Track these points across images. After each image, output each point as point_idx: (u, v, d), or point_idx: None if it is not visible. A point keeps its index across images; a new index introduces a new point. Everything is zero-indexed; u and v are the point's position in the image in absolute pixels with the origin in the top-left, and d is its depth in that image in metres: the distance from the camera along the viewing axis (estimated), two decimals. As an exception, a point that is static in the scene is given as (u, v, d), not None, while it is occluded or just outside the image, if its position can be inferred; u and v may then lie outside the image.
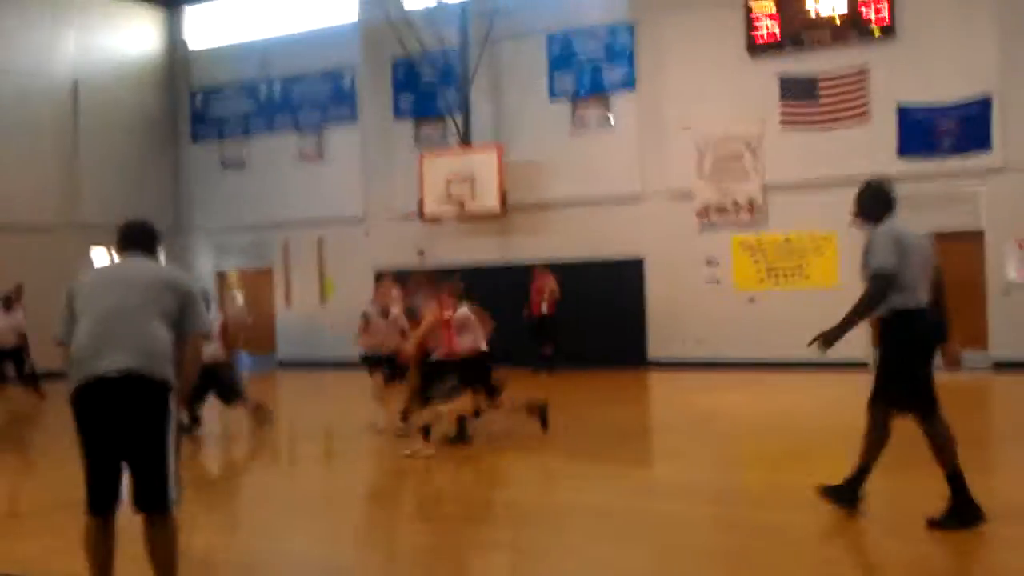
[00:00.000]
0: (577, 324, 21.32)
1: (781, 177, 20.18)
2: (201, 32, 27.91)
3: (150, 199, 25.71)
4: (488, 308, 12.91)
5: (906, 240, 7.12)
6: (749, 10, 20.63)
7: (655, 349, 21.54)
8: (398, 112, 24.67)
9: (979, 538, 6.91)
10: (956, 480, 7.05)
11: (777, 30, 20.44)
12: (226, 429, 14.09)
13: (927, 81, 19.04)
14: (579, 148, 22.35)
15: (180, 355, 5.61)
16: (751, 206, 20.58)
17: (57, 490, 10.00)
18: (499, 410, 12.41)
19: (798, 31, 20.26)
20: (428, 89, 24.14)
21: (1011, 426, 13.17)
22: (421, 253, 23.57)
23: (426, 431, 11.32)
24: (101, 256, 24.04)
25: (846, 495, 7.41)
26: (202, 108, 27.76)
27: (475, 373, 12.00)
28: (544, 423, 12.40)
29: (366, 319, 13.94)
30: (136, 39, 27.41)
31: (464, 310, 12.13)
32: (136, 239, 5.91)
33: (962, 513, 7.01)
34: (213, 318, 12.74)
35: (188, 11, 28.00)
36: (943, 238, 18.52)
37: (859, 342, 13.60)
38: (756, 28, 20.60)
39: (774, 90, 20.33)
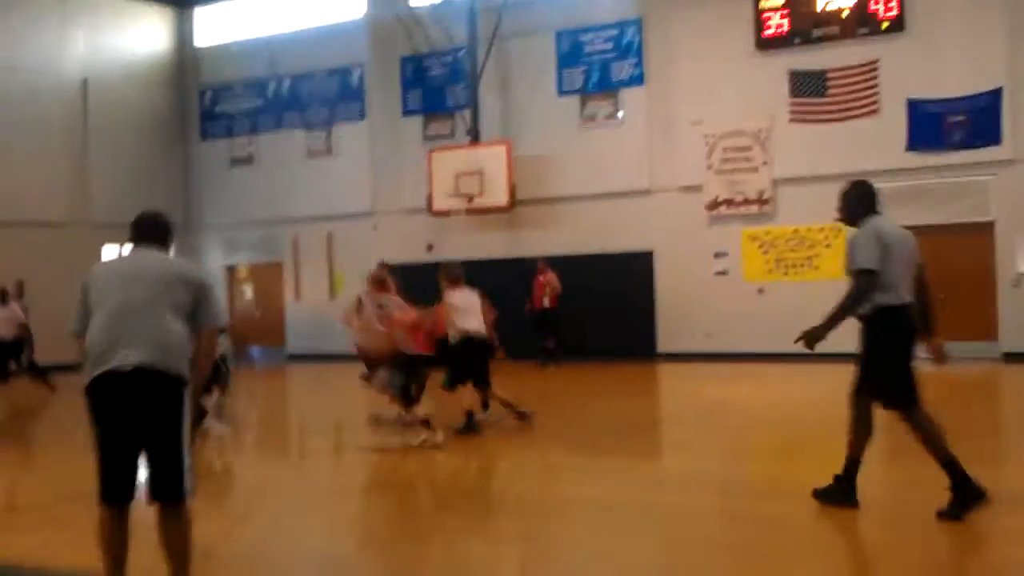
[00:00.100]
0: (586, 317, 21.38)
1: (790, 171, 20.16)
2: (210, 30, 27.96)
3: (159, 196, 25.75)
4: (495, 301, 12.94)
5: (889, 238, 7.22)
6: (758, 5, 20.61)
7: (664, 342, 21.54)
8: (407, 108, 24.69)
9: (986, 529, 6.91)
10: (951, 466, 7.06)
11: (786, 25, 20.41)
12: (235, 422, 14.13)
13: (936, 75, 18.98)
14: (588, 143, 22.35)
15: (194, 348, 5.61)
16: (760, 199, 20.56)
17: (60, 483, 10.05)
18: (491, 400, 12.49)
19: (807, 26, 20.23)
20: (436, 85, 24.17)
21: (1020, 417, 13.16)
22: (430, 248, 23.62)
23: (426, 422, 11.36)
24: (113, 253, 24.11)
25: (841, 495, 7.41)
26: (211, 106, 27.81)
27: (473, 358, 12.07)
28: (522, 418, 12.41)
29: (360, 303, 13.82)
30: (145, 37, 27.47)
31: (467, 293, 12.22)
32: (149, 232, 5.88)
33: (965, 496, 7.01)
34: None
35: (197, 10, 28.06)
36: (953, 230, 18.73)
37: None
38: (765, 23, 20.57)
39: (783, 85, 20.31)
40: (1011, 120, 18.47)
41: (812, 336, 7.19)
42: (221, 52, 27.64)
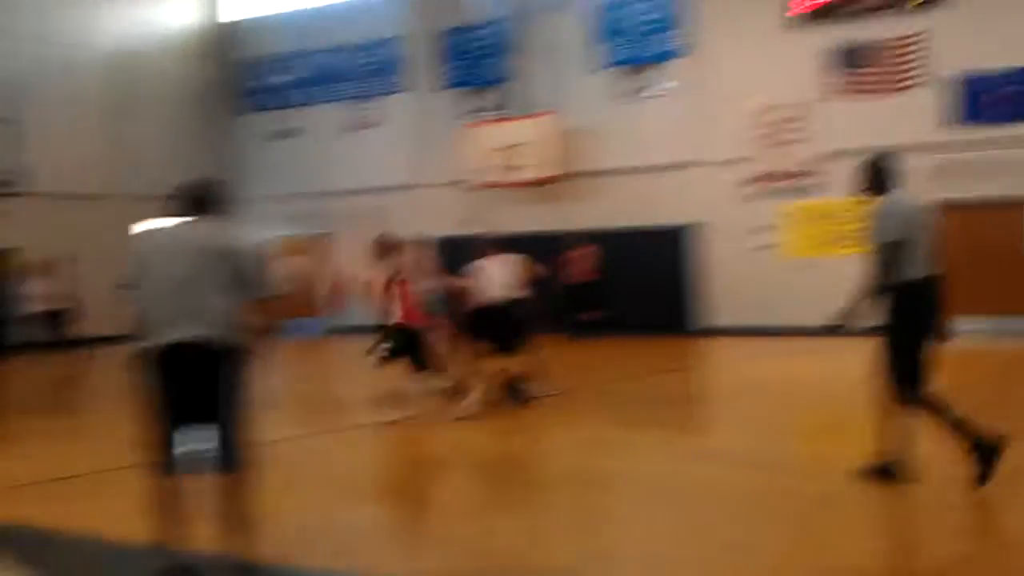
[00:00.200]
0: (628, 291, 21.40)
1: (834, 144, 20.00)
2: (249, 3, 28.00)
3: (200, 169, 25.85)
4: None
5: (910, 212, 7.27)
6: (801, -25, 20.44)
7: (707, 317, 21.50)
8: (448, 81, 24.67)
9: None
10: (961, 427, 7.09)
11: (829, -4, 20.24)
12: (280, 395, 14.25)
13: (980, 47, 18.74)
14: (628, 116, 22.27)
15: (248, 319, 5.65)
16: (802, 173, 20.41)
17: (110, 453, 10.18)
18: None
19: (850, -3, 20.05)
20: (477, 58, 24.13)
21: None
22: (472, 221, 23.60)
23: (453, 391, 11.45)
24: (147, 225, 24.30)
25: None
26: (251, 79, 27.89)
27: (491, 326, 12.13)
28: (518, 398, 12.40)
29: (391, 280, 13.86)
30: (183, 10, 27.57)
31: (497, 261, 12.28)
32: (197, 200, 5.88)
33: (984, 453, 7.03)
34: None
35: (237, -19, 28.15)
36: (993, 205, 18.49)
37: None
38: (808, -6, 20.40)
39: (827, 57, 20.13)
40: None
41: (841, 317, 7.27)
42: (262, 24, 27.69)
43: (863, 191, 7.57)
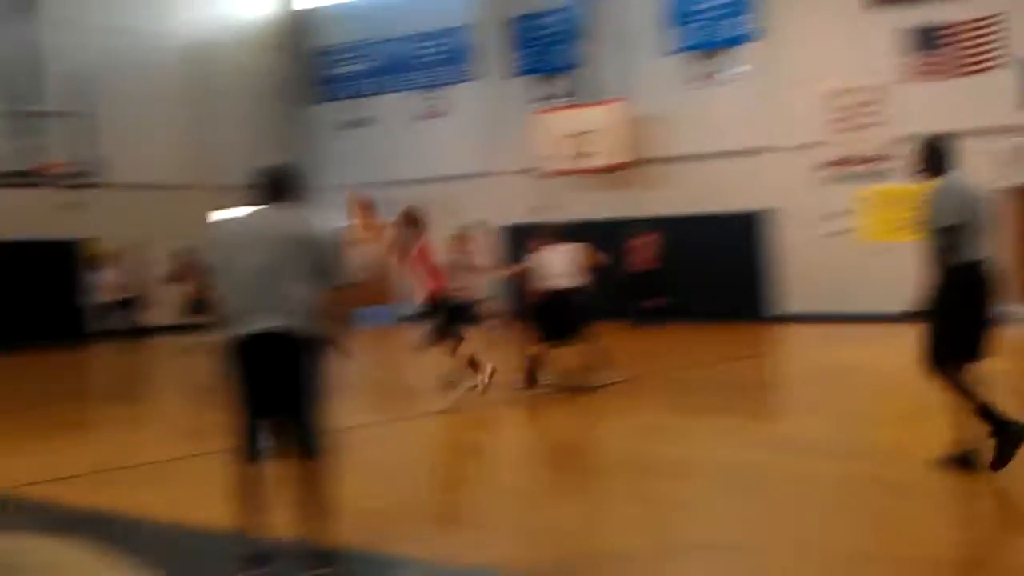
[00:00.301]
0: (698, 278, 21.27)
1: (909, 127, 19.64)
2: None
3: (273, 159, 26.09)
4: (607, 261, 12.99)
5: (967, 193, 7.16)
6: (875, -43, 20.11)
7: (781, 303, 21.29)
8: (517, 69, 24.66)
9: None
10: (986, 411, 7.00)
11: (905, -24, 19.88)
12: (356, 383, 14.38)
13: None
14: (701, 101, 22.09)
15: (327, 307, 5.67)
16: (879, 157, 20.11)
17: (180, 442, 10.37)
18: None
19: (927, -23, 19.68)
20: (548, 44, 24.08)
21: None
22: (541, 209, 23.59)
23: (471, 362, 11.50)
24: (223, 214, 24.63)
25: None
26: (324, 68, 28.10)
27: (553, 314, 12.14)
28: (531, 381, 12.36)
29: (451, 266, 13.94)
30: (256, 1, 27.85)
31: (557, 250, 12.30)
32: (274, 187, 5.87)
33: (1006, 439, 6.96)
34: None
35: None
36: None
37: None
38: (883, -25, 20.06)
39: (902, 40, 19.80)
40: None
41: (912, 303, 7.22)
42: (334, 14, 27.88)
43: (918, 173, 7.45)
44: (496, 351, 14.54)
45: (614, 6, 22.99)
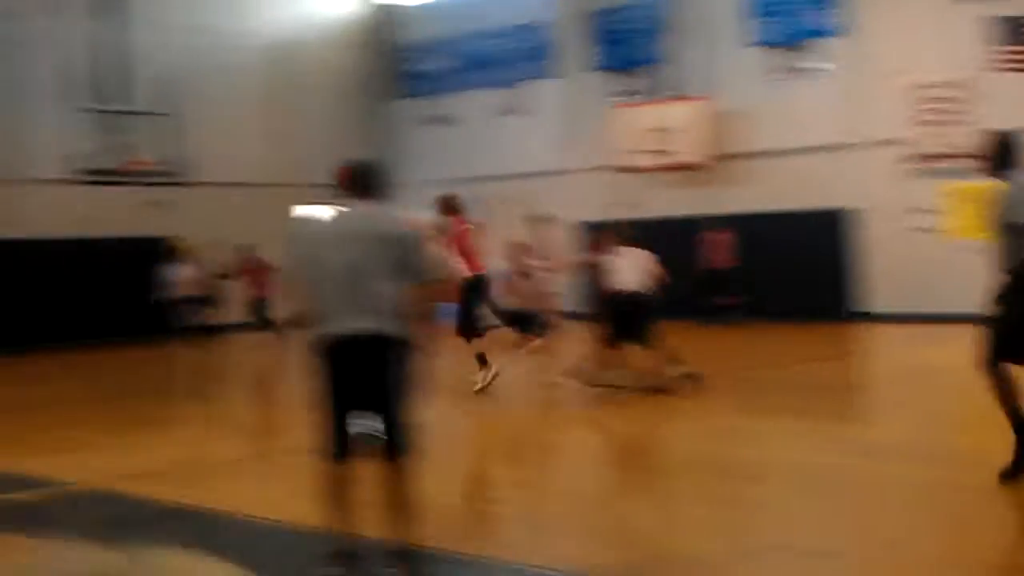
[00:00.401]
0: (781, 276, 21.02)
1: (997, 122, 19.18)
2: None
3: (355, 155, 26.32)
4: (685, 259, 12.91)
5: None
6: (964, -52, 19.69)
7: (864, 302, 20.97)
8: (597, 64, 24.60)
9: None
10: (1017, 416, 6.94)
11: (994, -32, 19.46)
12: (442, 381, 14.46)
13: None
14: (784, 96, 21.82)
15: (412, 305, 5.68)
16: (967, 153, 19.68)
17: (258, 439, 10.52)
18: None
19: (1016, -33, 19.24)
20: (628, 39, 23.98)
21: None
22: (621, 205, 23.52)
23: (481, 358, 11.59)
24: (306, 211, 24.91)
25: None
26: (405, 65, 28.29)
27: (621, 315, 12.16)
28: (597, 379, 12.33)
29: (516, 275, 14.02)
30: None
31: (627, 252, 12.30)
32: (360, 182, 5.86)
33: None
34: None
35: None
36: None
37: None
38: (971, -34, 19.65)
39: (989, 32, 19.36)
40: None
41: (992, 302, 7.07)
42: (415, 11, 28.07)
43: (984, 171, 7.27)
44: (563, 347, 14.59)
45: (695, 0, 22.82)
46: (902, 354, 15.92)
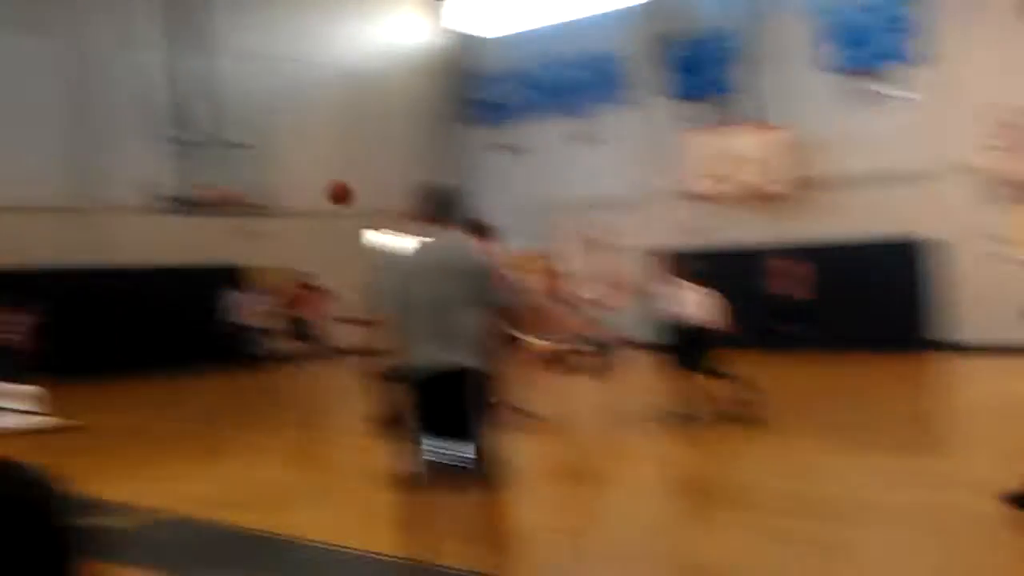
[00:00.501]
0: (857, 305, 20.73)
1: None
2: (478, 20, 28.65)
3: (433, 181, 26.51)
4: (756, 288, 12.84)
5: None
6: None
7: (946, 331, 20.57)
8: (672, 92, 24.55)
9: None
10: None
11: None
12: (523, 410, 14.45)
13: None
14: (862, 123, 21.59)
15: (492, 334, 5.71)
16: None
17: (330, 468, 10.57)
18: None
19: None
20: (701, 67, 23.92)
21: None
22: (694, 233, 23.42)
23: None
24: (383, 238, 25.09)
25: None
26: (480, 93, 28.49)
27: (681, 345, 12.20)
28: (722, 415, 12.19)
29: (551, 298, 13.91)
30: (414, 29, 28.51)
31: (689, 285, 12.26)
32: (438, 208, 5.86)
33: None
34: None
35: (465, 0, 28.81)
36: None
37: None
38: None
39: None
40: None
41: None
42: (489, 41, 28.28)
43: None
44: (622, 376, 14.52)
45: (770, 27, 22.70)
46: (987, 386, 15.57)
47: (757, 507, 8.54)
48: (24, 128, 22.03)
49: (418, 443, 5.67)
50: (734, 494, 9.32)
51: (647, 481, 10.22)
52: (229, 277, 23.11)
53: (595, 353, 14.59)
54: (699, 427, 11.92)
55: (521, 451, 11.55)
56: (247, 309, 21.52)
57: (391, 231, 24.43)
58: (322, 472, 11.13)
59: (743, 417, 11.94)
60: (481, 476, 5.62)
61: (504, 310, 5.86)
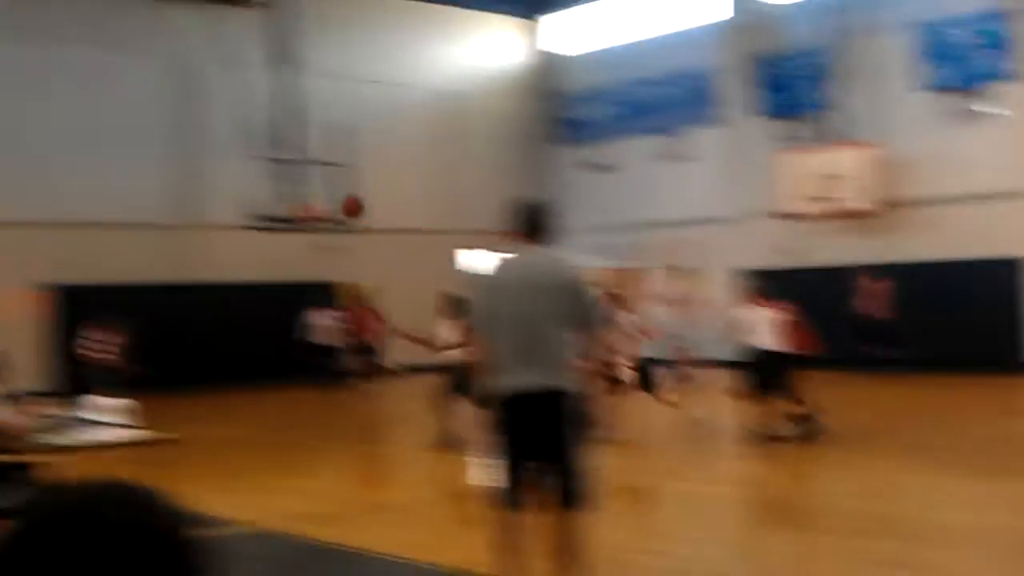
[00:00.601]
0: (948, 326, 20.31)
1: None
2: (565, 39, 28.80)
3: (525, 198, 26.65)
4: (847, 308, 12.75)
5: None
6: None
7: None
8: (762, 110, 24.40)
9: None
10: None
11: None
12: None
13: None
14: (956, 142, 21.22)
15: (585, 355, 5.70)
16: None
17: (432, 483, 10.69)
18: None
19: None
20: (793, 85, 23.74)
21: None
22: (785, 253, 23.20)
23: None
24: (474, 257, 25.27)
25: None
26: (568, 113, 28.59)
27: (758, 369, 12.19)
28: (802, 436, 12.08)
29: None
30: (500, 48, 28.75)
31: (761, 310, 12.22)
32: (531, 226, 5.85)
33: None
34: None
35: (552, 19, 29.03)
36: None
37: None
38: None
39: None
40: None
41: None
42: (578, 60, 28.39)
43: None
44: (698, 397, 14.47)
45: (861, 44, 22.45)
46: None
47: (837, 528, 8.47)
48: (127, 147, 22.73)
49: (513, 463, 5.67)
50: (814, 514, 9.27)
51: (729, 501, 10.18)
52: (319, 294, 23.49)
53: (675, 373, 14.61)
54: (780, 447, 11.84)
55: (604, 471, 11.61)
56: (321, 327, 22.01)
57: (482, 249, 24.74)
58: (402, 488, 11.26)
59: (809, 436, 11.91)
60: (570, 497, 5.61)
61: (596, 329, 5.84)
